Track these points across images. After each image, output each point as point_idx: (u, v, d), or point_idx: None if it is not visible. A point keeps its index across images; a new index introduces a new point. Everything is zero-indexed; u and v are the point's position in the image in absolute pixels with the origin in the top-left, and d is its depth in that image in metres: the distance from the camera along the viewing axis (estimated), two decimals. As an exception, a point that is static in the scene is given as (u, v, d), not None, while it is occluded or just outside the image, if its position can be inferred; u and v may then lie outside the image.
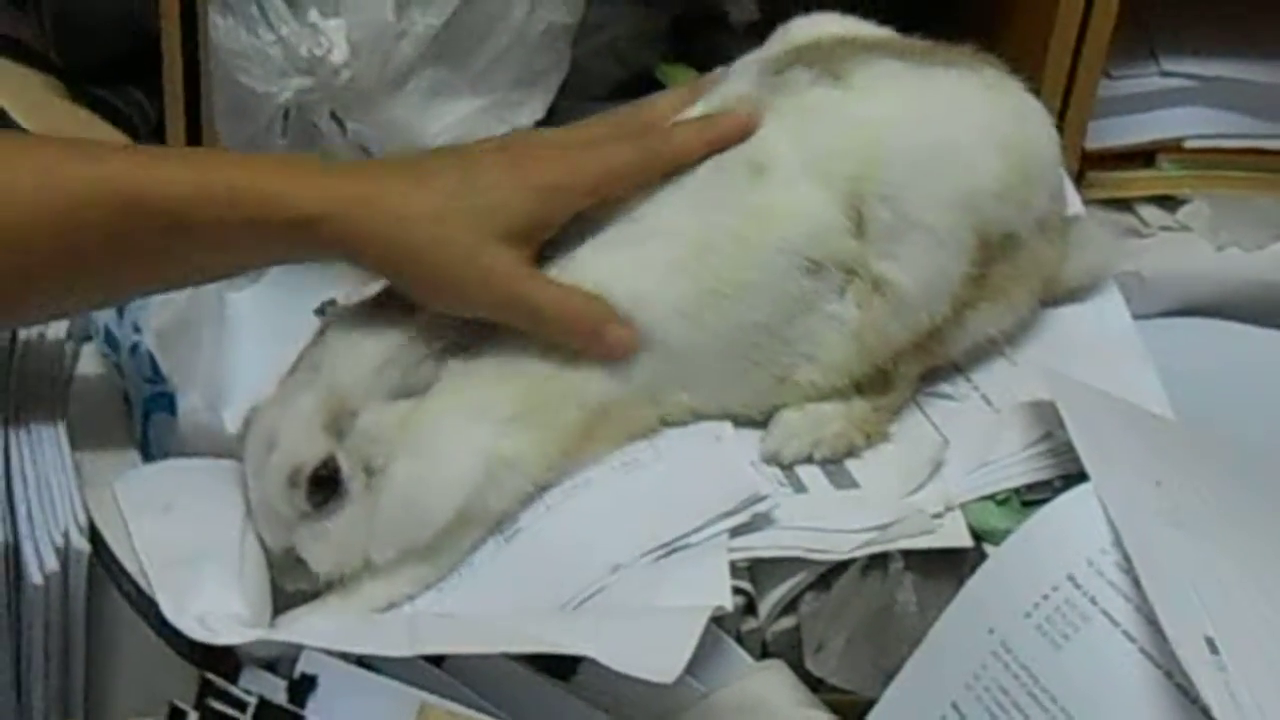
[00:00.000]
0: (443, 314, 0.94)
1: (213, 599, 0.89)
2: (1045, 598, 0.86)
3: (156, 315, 1.06)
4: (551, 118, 1.19)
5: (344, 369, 0.94)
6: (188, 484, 0.98)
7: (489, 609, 0.93)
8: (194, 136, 1.17)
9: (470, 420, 0.94)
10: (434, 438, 0.94)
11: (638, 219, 0.97)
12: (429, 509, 0.94)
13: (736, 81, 1.02)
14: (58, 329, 1.07)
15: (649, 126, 0.98)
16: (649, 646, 0.85)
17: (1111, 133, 1.31)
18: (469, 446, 0.94)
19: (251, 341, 1.08)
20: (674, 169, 0.97)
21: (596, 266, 0.96)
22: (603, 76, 1.30)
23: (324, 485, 0.93)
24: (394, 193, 0.90)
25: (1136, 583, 0.84)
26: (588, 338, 0.95)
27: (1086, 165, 1.29)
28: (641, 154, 0.96)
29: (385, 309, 0.96)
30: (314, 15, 1.05)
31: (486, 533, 0.96)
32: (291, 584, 0.95)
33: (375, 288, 0.98)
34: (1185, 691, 0.82)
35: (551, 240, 0.95)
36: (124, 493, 0.96)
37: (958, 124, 0.99)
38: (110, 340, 1.07)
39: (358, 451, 0.93)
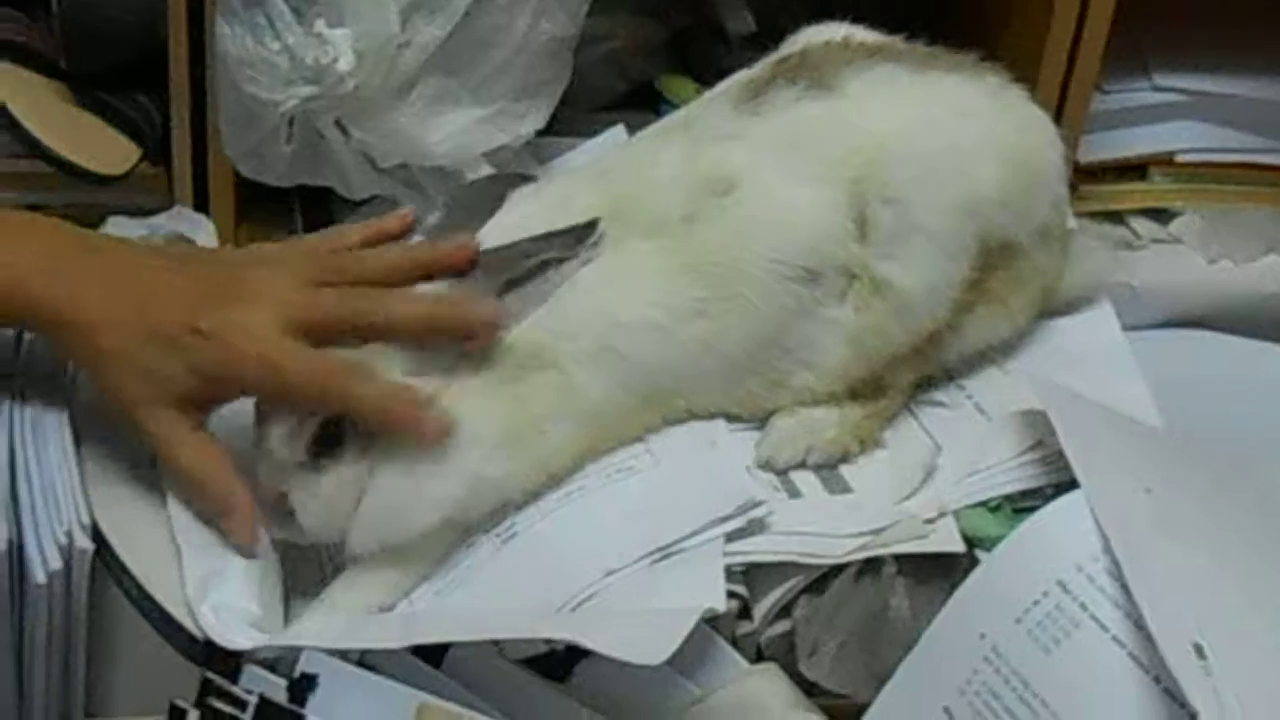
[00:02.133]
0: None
1: (231, 591, 0.91)
2: (1036, 603, 0.88)
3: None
4: (553, 127, 1.20)
5: None
6: None
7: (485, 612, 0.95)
8: (199, 143, 1.18)
9: (459, 444, 0.95)
10: (424, 454, 0.95)
11: (614, 253, 0.98)
12: (410, 519, 0.95)
13: (703, 115, 1.03)
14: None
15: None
16: (638, 635, 0.86)
17: (1104, 146, 1.32)
18: (455, 471, 0.95)
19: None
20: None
21: (580, 302, 0.97)
22: (604, 87, 1.31)
23: (326, 440, 0.93)
24: (81, 325, 0.92)
25: (1125, 589, 0.85)
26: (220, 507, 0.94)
27: (1079, 178, 1.30)
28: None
29: None
30: (320, 25, 1.06)
31: (467, 534, 0.97)
32: (279, 531, 0.96)
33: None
34: (1173, 696, 0.83)
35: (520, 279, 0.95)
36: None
37: (961, 129, 1.01)
38: (115, 342, 1.07)
39: None
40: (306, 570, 0.99)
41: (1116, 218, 1.34)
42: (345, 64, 1.07)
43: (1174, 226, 1.34)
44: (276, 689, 0.86)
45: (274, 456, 0.94)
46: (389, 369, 0.94)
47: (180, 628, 0.90)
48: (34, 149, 1.15)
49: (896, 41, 1.07)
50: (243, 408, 0.96)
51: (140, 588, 0.93)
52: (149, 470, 1.00)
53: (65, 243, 0.95)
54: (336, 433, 0.94)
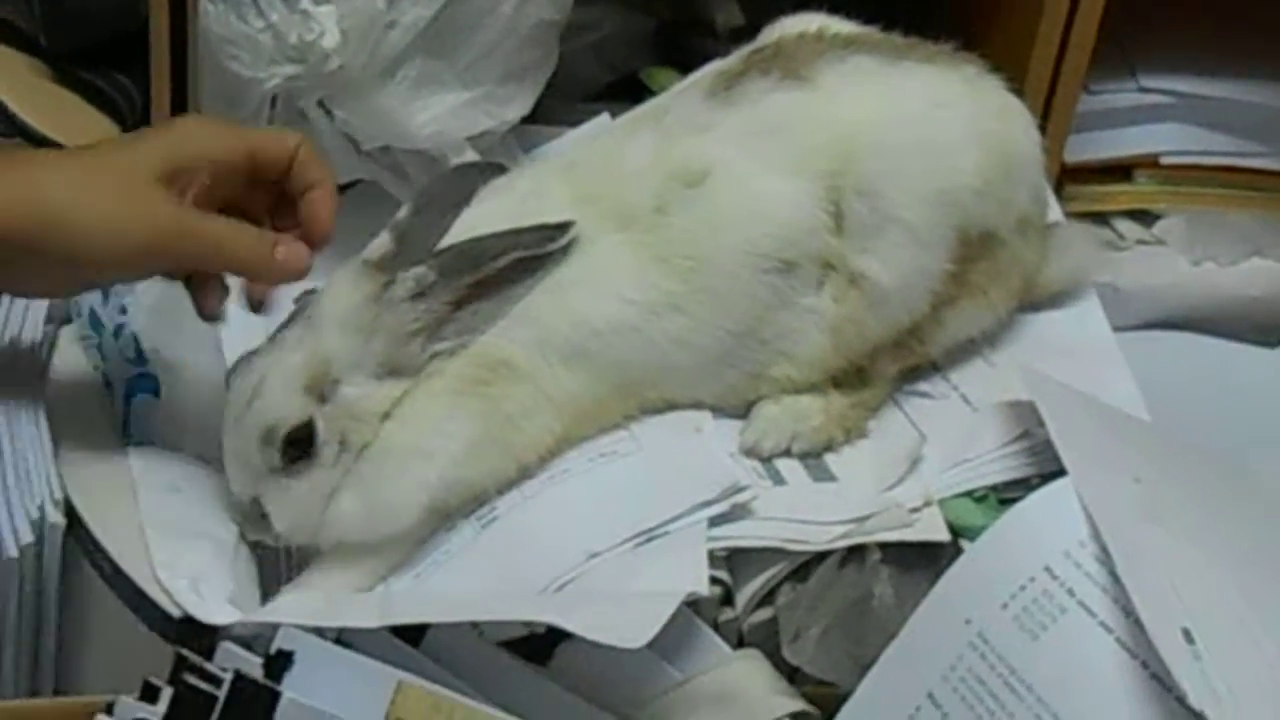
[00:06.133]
0: (432, 295, 0.94)
1: (207, 568, 0.90)
2: (1022, 589, 0.87)
3: (143, 298, 1.06)
4: (538, 116, 1.19)
5: (334, 333, 0.94)
6: (196, 474, 0.99)
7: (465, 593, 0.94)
8: (180, 123, 1.17)
9: (432, 445, 0.94)
10: (393, 466, 0.94)
11: (585, 248, 0.96)
12: (383, 523, 0.94)
13: (675, 106, 1.02)
14: (37, 312, 1.07)
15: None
16: (619, 619, 0.86)
17: (1089, 147, 1.33)
18: (428, 473, 0.94)
19: (235, 325, 1.08)
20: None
21: (549, 303, 0.96)
22: (590, 77, 1.30)
23: (297, 445, 0.93)
24: (49, 183, 0.90)
25: (1113, 574, 0.85)
26: (261, 264, 0.94)
27: (1065, 178, 1.31)
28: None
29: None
30: (305, 2, 1.05)
31: (447, 519, 0.96)
32: (253, 533, 0.95)
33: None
34: (1161, 680, 0.82)
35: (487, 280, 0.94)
36: (137, 466, 0.97)
37: (936, 119, 1.00)
38: (94, 322, 1.06)
39: (336, 422, 0.93)
40: (273, 567, 0.98)
41: (1101, 219, 1.34)
42: (330, 42, 1.06)
43: (1158, 228, 1.34)
44: (252, 666, 0.85)
45: (247, 462, 0.93)
46: (357, 373, 0.93)
47: (154, 604, 0.89)
48: (13, 126, 1.14)
49: (872, 32, 1.06)
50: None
51: (114, 564, 0.92)
52: (122, 453, 0.99)
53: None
54: (308, 438, 0.93)
